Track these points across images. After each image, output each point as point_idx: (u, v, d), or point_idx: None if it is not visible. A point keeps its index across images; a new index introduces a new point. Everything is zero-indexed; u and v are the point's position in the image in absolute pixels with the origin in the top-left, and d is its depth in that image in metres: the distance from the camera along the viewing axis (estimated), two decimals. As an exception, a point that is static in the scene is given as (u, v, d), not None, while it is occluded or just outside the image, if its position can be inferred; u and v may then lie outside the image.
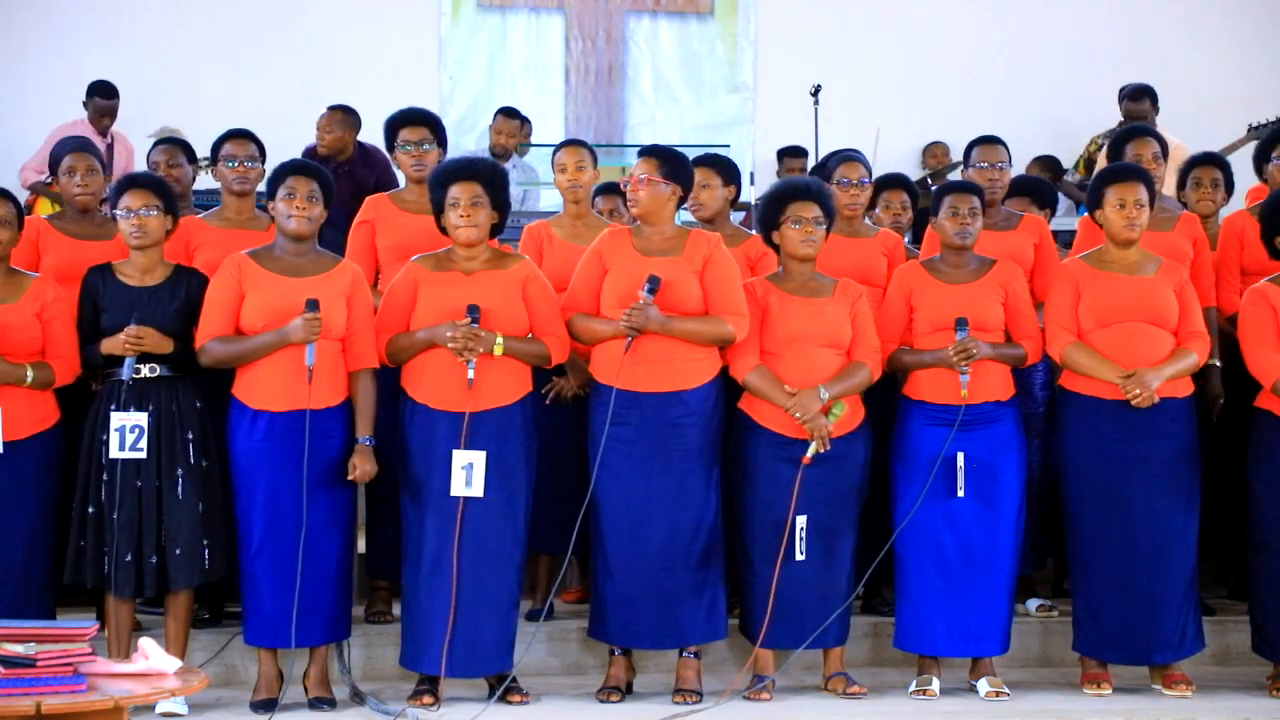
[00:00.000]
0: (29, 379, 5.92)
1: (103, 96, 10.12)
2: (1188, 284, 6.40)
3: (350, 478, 5.95)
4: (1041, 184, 7.64)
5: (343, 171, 9.30)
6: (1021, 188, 7.31)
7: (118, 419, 5.88)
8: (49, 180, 9.42)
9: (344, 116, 9.45)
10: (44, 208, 9.22)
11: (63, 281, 6.14)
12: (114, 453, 5.87)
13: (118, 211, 6.01)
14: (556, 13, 12.10)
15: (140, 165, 9.48)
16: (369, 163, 9.33)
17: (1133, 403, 6.19)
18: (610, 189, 7.46)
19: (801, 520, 6.18)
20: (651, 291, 6.05)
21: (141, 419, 5.89)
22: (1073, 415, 6.36)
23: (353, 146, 9.49)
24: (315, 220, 6.06)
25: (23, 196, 8.94)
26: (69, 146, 6.70)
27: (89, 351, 6.01)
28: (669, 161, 6.24)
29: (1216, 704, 6.24)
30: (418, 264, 6.15)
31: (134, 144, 9.88)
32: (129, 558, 5.87)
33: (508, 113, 10.85)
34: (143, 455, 5.88)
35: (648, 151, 6.30)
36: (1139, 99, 10.20)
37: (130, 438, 5.88)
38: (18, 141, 10.20)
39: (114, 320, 5.94)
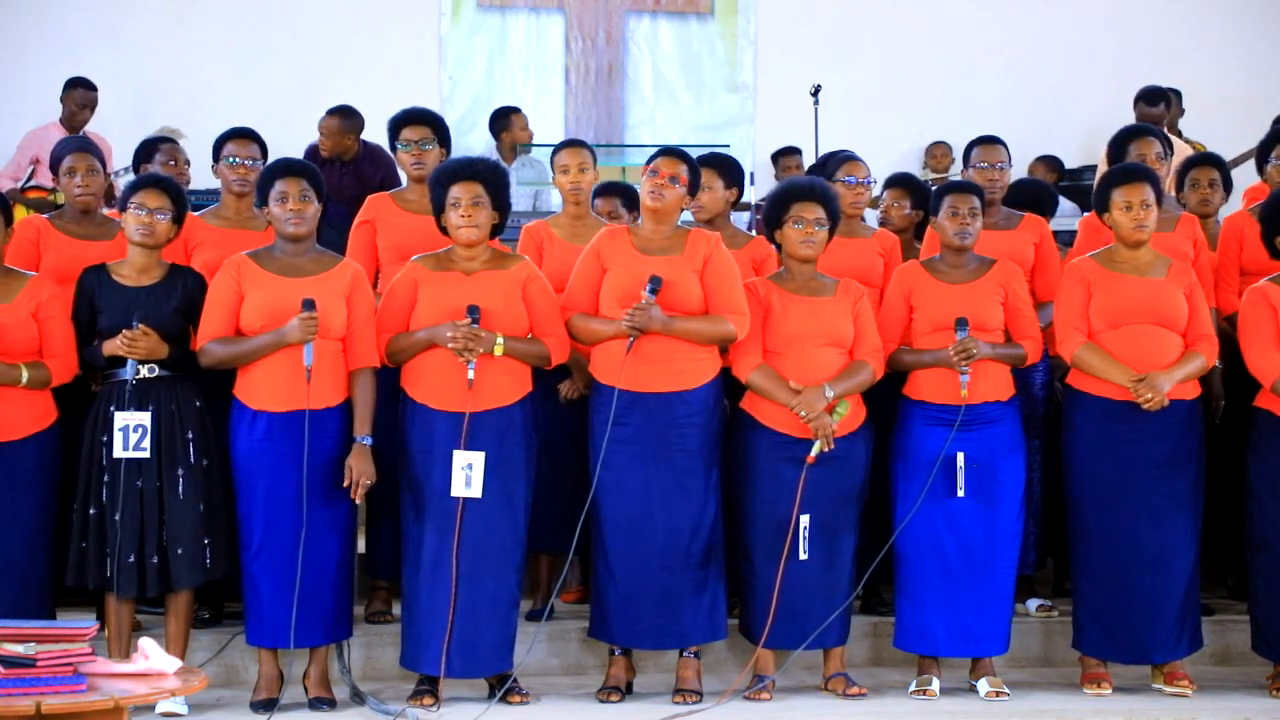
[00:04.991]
0: (24, 379, 5.92)
1: (85, 88, 10.05)
2: (1197, 286, 6.41)
3: (345, 484, 5.94)
4: (1040, 193, 7.59)
5: (348, 170, 9.29)
6: (1020, 197, 7.24)
7: (121, 419, 5.87)
8: (24, 186, 9.42)
9: (341, 120, 9.40)
10: (19, 214, 9.17)
11: (62, 282, 6.13)
12: (117, 452, 5.87)
13: (131, 204, 5.99)
14: (556, 13, 12.09)
15: (116, 165, 9.48)
16: (374, 160, 9.30)
17: (1144, 407, 6.19)
18: (609, 190, 7.42)
19: (805, 519, 6.18)
20: (653, 292, 6.06)
21: (144, 418, 5.89)
22: (1079, 415, 6.36)
23: (357, 146, 9.47)
24: (311, 219, 6.06)
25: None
26: (70, 147, 6.70)
27: (89, 352, 6.00)
28: (693, 169, 6.27)
29: (1216, 704, 6.24)
30: (418, 264, 6.15)
31: (111, 143, 9.85)
32: (131, 559, 5.87)
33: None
34: (146, 455, 5.88)
35: (676, 154, 6.26)
36: (1154, 102, 10.15)
37: (134, 437, 5.88)
38: (18, 141, 10.18)
39: (112, 320, 5.94)
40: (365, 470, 5.96)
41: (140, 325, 5.87)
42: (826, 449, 6.16)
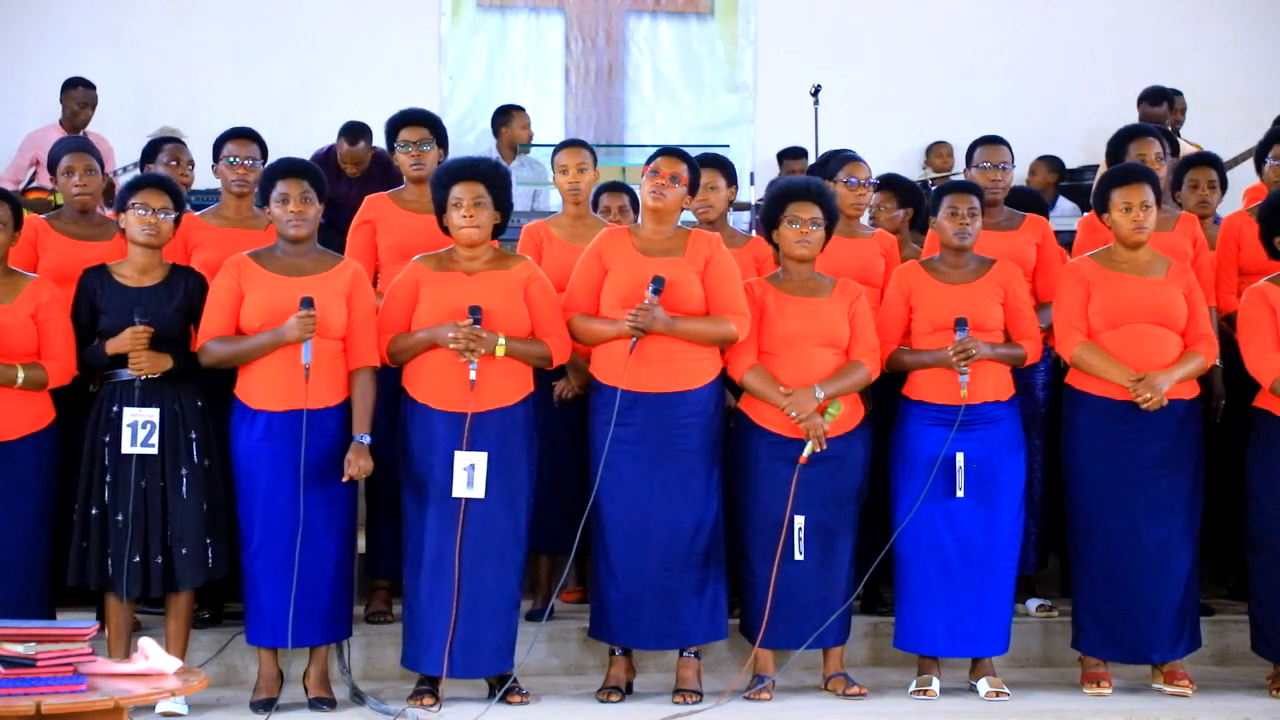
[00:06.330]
0: (20, 380, 5.91)
1: (85, 87, 10.04)
2: (1196, 286, 6.41)
3: (347, 475, 5.95)
4: (1032, 200, 7.56)
5: (356, 180, 9.31)
6: (1014, 204, 7.22)
7: (130, 415, 5.88)
8: (25, 188, 9.43)
9: (365, 142, 9.43)
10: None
11: (60, 282, 6.13)
12: (125, 448, 5.87)
13: (134, 205, 5.98)
14: (556, 13, 12.10)
15: (118, 165, 9.48)
16: (383, 168, 9.32)
17: (1142, 406, 6.19)
18: (619, 186, 7.44)
19: (800, 520, 6.18)
20: (656, 292, 6.06)
21: (153, 414, 5.90)
22: (1079, 415, 6.36)
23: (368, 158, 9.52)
24: (313, 220, 6.06)
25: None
26: (67, 146, 6.70)
27: (90, 353, 6.00)
28: (693, 168, 6.28)
29: (1216, 704, 6.24)
30: (419, 264, 6.15)
31: (111, 144, 9.86)
32: (136, 559, 5.87)
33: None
34: (154, 451, 5.88)
35: (676, 153, 6.27)
36: (1157, 103, 10.15)
37: (142, 433, 5.89)
38: (18, 141, 10.18)
39: (114, 321, 5.94)
40: (363, 465, 5.95)
41: (141, 323, 5.87)
42: (819, 449, 6.16)
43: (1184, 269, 6.45)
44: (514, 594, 6.11)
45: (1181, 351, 6.31)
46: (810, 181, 6.50)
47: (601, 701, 6.19)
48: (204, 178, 7.65)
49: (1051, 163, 10.90)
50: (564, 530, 6.35)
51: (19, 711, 4.25)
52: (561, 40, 12.10)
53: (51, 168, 6.67)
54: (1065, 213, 10.12)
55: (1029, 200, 7.44)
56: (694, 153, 6.49)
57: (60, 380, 6.01)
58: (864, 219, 7.23)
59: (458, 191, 6.07)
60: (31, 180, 9.72)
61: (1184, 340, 6.33)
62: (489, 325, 5.98)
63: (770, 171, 11.04)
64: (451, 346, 5.96)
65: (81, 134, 9.77)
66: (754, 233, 7.61)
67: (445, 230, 6.15)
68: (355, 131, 9.44)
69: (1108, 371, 6.27)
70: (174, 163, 7.09)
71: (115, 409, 5.92)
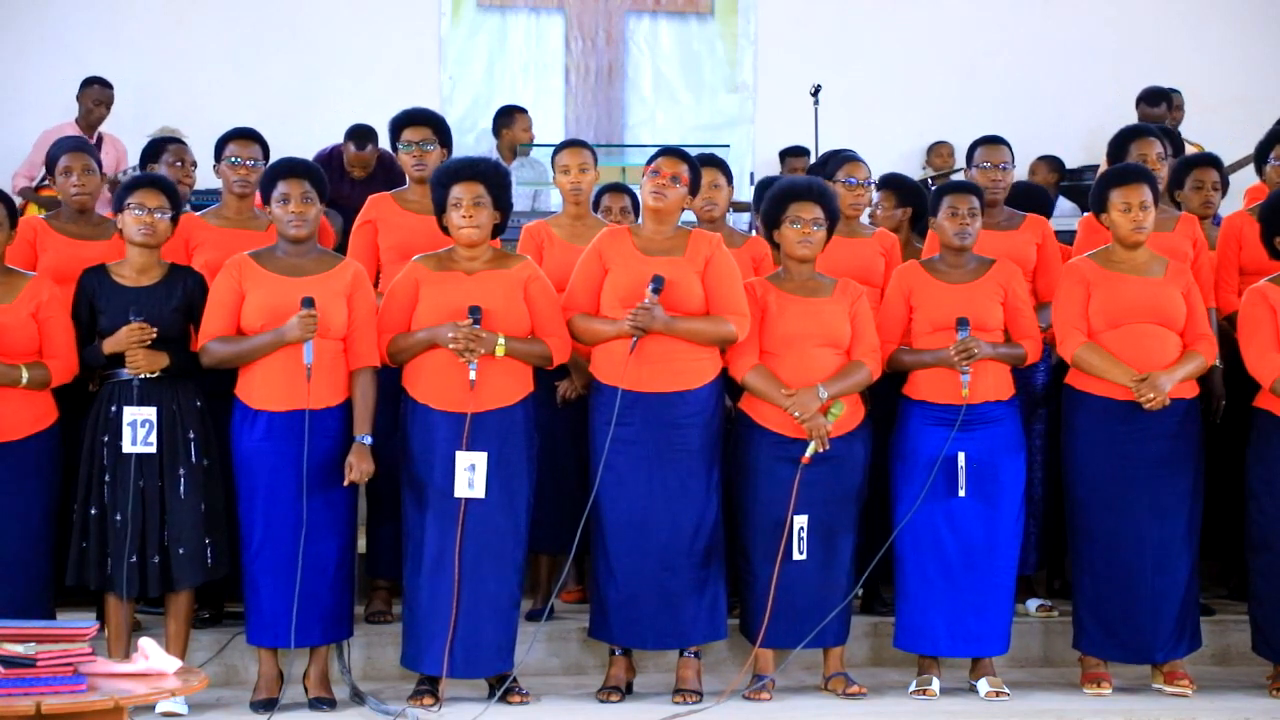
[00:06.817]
0: (24, 379, 5.91)
1: (101, 85, 10.05)
2: (1194, 286, 6.42)
3: (348, 480, 5.95)
4: (1035, 195, 7.56)
5: (359, 182, 9.32)
6: (1015, 200, 7.23)
7: (130, 414, 5.88)
8: (38, 185, 9.45)
9: (373, 145, 9.44)
10: (32, 213, 9.18)
11: (59, 281, 6.13)
12: (125, 448, 5.88)
13: (130, 205, 5.98)
14: (556, 13, 12.10)
15: (128, 165, 9.49)
16: (387, 171, 9.31)
17: (1145, 406, 6.19)
18: (621, 188, 7.46)
19: (801, 520, 6.19)
20: (656, 291, 6.06)
21: (151, 413, 5.90)
22: (1080, 415, 6.36)
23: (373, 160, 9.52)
24: (313, 220, 6.06)
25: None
26: (65, 146, 6.70)
27: (89, 352, 6.01)
28: (693, 168, 6.28)
29: (1216, 704, 6.24)
30: (419, 264, 6.15)
31: (125, 144, 9.86)
32: (133, 559, 5.87)
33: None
34: (153, 450, 5.89)
35: (677, 153, 6.27)
36: (1155, 103, 10.15)
37: (141, 432, 5.89)
38: (18, 141, 10.19)
39: (112, 321, 5.95)
40: (365, 468, 5.96)
41: (136, 320, 5.88)
42: (822, 449, 6.16)
43: (1182, 269, 6.45)
44: (514, 594, 6.11)
45: (1182, 351, 6.31)
46: (812, 181, 6.50)
47: (601, 701, 6.19)
48: (205, 178, 7.65)
49: (1051, 163, 10.90)
50: (564, 530, 6.35)
51: (19, 711, 4.25)
52: (561, 40, 12.10)
53: (50, 167, 6.68)
54: (1065, 213, 10.11)
55: (1033, 195, 7.44)
56: (694, 153, 6.49)
57: (63, 378, 6.02)
58: (864, 218, 7.24)
59: (457, 191, 6.07)
60: (45, 178, 9.74)
61: (1183, 340, 6.34)
62: (489, 325, 5.99)
63: (771, 171, 11.04)
64: (451, 347, 5.96)
65: (96, 133, 9.83)
66: (753, 232, 7.62)
67: (445, 230, 6.15)
68: (363, 135, 9.45)
69: (1110, 372, 6.27)
70: (179, 163, 7.12)
71: (114, 409, 5.93)
